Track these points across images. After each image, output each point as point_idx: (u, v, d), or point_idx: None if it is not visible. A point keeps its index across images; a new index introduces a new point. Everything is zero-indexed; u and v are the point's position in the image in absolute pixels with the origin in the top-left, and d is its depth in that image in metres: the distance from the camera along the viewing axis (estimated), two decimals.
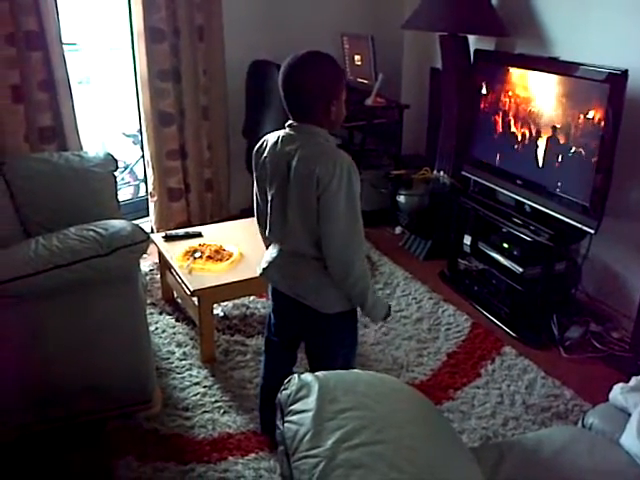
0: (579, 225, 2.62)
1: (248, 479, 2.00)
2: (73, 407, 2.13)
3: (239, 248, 2.78)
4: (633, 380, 1.74)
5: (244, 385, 2.45)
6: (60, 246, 2.02)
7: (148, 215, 3.83)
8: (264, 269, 1.94)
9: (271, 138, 1.79)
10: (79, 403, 2.12)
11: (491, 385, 2.50)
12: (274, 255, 1.89)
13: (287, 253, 1.84)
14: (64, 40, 3.14)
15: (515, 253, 2.96)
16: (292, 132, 1.73)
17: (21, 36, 2.94)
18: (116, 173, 2.85)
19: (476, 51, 3.25)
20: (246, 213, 3.55)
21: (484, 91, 3.14)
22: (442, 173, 3.72)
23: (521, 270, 2.88)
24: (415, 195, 3.77)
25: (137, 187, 4.68)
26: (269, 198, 1.80)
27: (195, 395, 2.39)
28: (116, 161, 2.88)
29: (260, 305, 3.04)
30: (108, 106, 4.98)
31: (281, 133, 1.76)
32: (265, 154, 1.79)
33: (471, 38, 3.49)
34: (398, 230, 3.96)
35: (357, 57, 4.07)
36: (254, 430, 2.21)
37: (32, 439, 2.08)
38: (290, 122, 1.74)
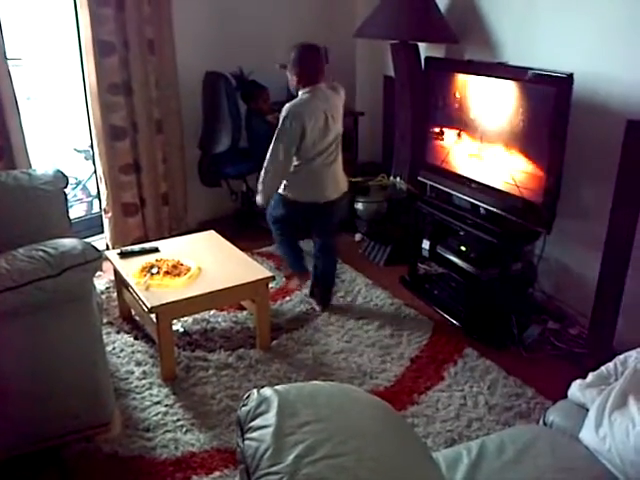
0: (533, 226, 2.68)
1: None
2: (29, 433, 2.05)
3: (197, 262, 2.73)
4: (590, 376, 1.77)
5: (206, 402, 2.41)
6: (8, 268, 1.95)
7: (103, 232, 3.74)
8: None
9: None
10: (35, 429, 2.05)
11: (454, 387, 2.52)
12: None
13: None
14: (8, 55, 3.06)
15: (472, 255, 3.00)
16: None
17: None
18: (67, 190, 2.77)
19: (427, 58, 3.29)
20: (204, 226, 3.52)
21: (436, 97, 3.19)
22: (398, 179, 3.76)
23: (478, 272, 2.93)
24: (373, 202, 3.81)
25: (90, 204, 4.57)
26: None
27: (156, 415, 2.33)
28: (66, 178, 2.80)
29: (221, 319, 3.00)
30: (57, 122, 4.86)
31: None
32: None
33: (422, 45, 3.55)
34: (358, 237, 3.97)
35: None
36: (217, 447, 2.17)
37: None
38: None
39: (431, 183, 3.34)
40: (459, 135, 3.07)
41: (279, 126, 2.78)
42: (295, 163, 2.88)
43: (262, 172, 2.87)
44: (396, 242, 3.65)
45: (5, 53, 3.01)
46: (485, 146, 2.91)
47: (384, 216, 3.70)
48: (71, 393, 2.07)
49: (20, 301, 1.93)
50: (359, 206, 3.81)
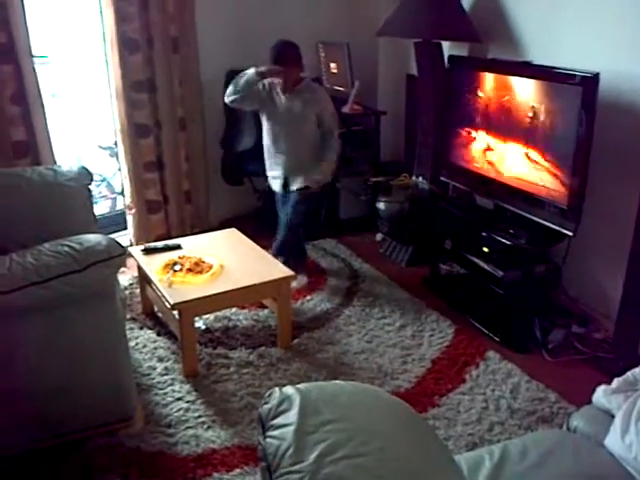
0: (558, 228, 2.65)
1: None
2: (53, 427, 2.08)
3: (219, 260, 2.75)
4: (615, 382, 1.74)
5: (227, 399, 2.42)
6: (34, 263, 1.98)
7: (126, 228, 3.78)
8: None
9: None
10: (60, 422, 2.08)
11: (476, 390, 2.49)
12: None
13: None
14: (34, 53, 3.10)
15: (495, 257, 2.96)
16: None
17: None
18: (92, 186, 2.81)
19: (450, 57, 3.27)
20: (226, 224, 3.54)
21: (459, 96, 3.17)
22: (421, 179, 3.74)
23: (501, 274, 2.89)
24: (395, 202, 3.77)
25: (115, 200, 4.62)
26: None
27: (178, 411, 2.35)
28: (91, 174, 2.83)
29: (242, 317, 3.01)
30: (82, 119, 4.92)
31: None
32: None
33: (445, 44, 3.52)
34: (379, 237, 3.96)
35: (333, 65, 4.09)
36: (239, 445, 2.18)
37: (13, 462, 2.03)
38: None
39: (454, 183, 3.32)
40: (483, 135, 3.05)
41: (333, 111, 3.22)
42: None
43: (334, 156, 3.21)
44: (418, 242, 3.63)
45: (31, 51, 3.06)
46: (509, 146, 2.88)
47: (406, 216, 3.68)
48: (94, 387, 2.10)
49: (45, 296, 1.96)
50: (381, 206, 3.78)
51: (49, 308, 1.99)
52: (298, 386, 1.12)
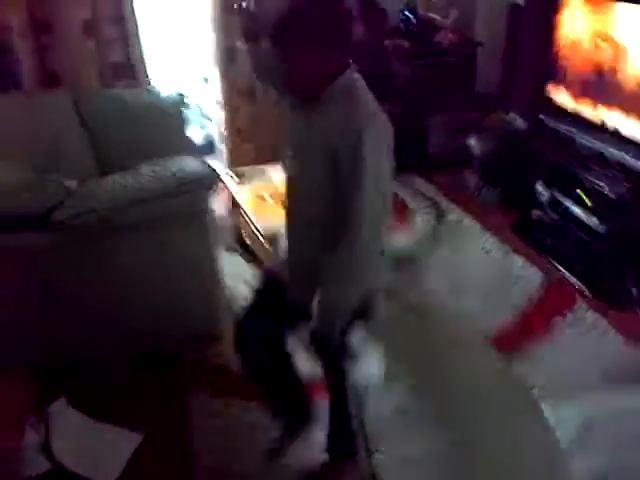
0: None
1: None
2: (149, 341, 2.19)
3: None
4: None
5: None
6: (134, 184, 2.04)
7: (218, 155, 3.81)
8: None
9: None
10: (155, 337, 2.18)
11: (563, 342, 2.40)
12: None
13: None
14: None
15: (594, 206, 2.78)
16: None
17: None
18: (186, 111, 2.83)
19: None
20: None
21: (572, 29, 2.90)
22: (517, 116, 3.52)
23: (600, 225, 2.71)
24: (487, 139, 3.60)
25: (207, 127, 4.64)
26: None
27: None
28: (185, 97, 2.85)
29: None
30: (179, 43, 4.88)
31: None
32: None
33: None
34: (469, 176, 3.81)
35: None
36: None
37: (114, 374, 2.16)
38: None
39: (554, 123, 3.10)
40: (596, 73, 2.80)
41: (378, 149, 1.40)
42: None
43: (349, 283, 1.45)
44: (509, 184, 3.46)
45: None
46: (626, 89, 2.63)
47: (498, 155, 3.51)
48: (188, 305, 2.19)
49: (143, 216, 2.03)
50: (472, 142, 3.62)
51: (146, 228, 2.05)
52: None
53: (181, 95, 2.82)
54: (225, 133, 3.69)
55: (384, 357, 1.26)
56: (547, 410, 1.54)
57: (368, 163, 1.33)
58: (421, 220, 3.35)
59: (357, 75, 1.46)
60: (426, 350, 1.05)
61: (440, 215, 3.40)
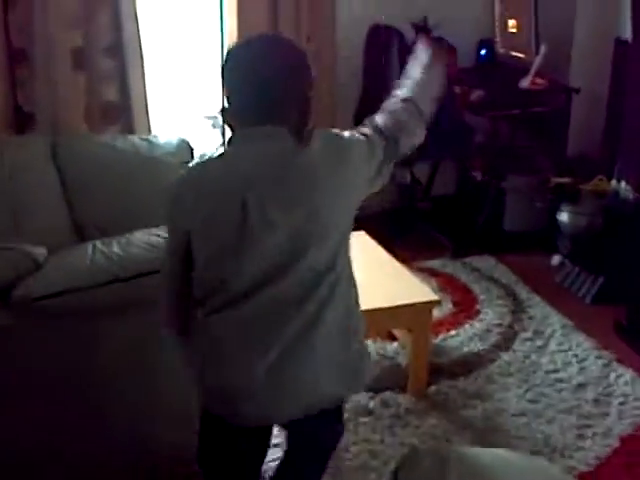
0: None
1: None
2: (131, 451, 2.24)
3: None
4: None
5: (338, 454, 2.46)
6: (121, 254, 2.13)
7: None
8: None
9: None
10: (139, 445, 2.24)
11: None
12: None
13: None
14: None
15: None
16: None
17: None
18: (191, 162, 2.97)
19: None
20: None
21: None
22: (623, 184, 3.61)
23: None
24: (583, 213, 3.67)
25: None
26: None
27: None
28: (192, 149, 3.00)
29: None
30: (186, 80, 5.16)
31: None
32: None
33: None
34: (556, 260, 3.86)
35: (512, 22, 4.04)
36: None
37: None
38: None
39: None
40: None
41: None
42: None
43: None
44: (612, 272, 3.50)
45: None
46: None
47: (598, 234, 3.57)
48: (172, 413, 2.22)
49: (129, 295, 2.10)
50: (563, 217, 3.70)
51: (133, 310, 2.12)
52: (457, 448, 1.14)
53: (185, 143, 2.96)
54: None
55: None
56: None
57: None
58: (492, 313, 3.38)
59: None
60: None
61: (517, 309, 3.44)
